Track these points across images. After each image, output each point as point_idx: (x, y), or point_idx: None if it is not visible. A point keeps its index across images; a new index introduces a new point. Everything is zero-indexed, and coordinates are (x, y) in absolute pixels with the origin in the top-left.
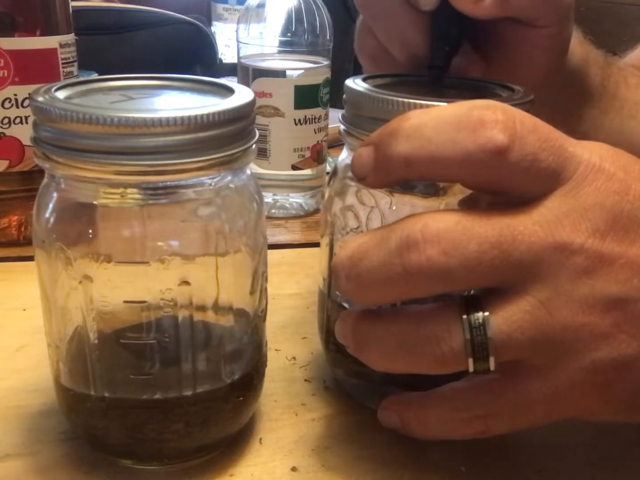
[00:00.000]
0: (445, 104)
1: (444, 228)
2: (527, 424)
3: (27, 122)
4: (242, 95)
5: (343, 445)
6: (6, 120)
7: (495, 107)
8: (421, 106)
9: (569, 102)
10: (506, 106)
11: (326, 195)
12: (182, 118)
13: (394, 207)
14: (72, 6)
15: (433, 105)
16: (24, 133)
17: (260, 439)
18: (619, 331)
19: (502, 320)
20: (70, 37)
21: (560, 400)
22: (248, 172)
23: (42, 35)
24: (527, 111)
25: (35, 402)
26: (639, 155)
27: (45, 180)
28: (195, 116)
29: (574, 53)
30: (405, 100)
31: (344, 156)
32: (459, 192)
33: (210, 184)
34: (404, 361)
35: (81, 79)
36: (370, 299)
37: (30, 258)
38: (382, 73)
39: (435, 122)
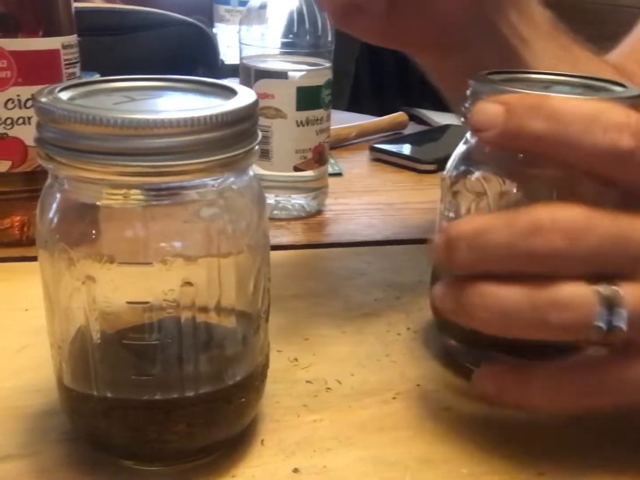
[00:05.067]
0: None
1: (570, 219)
2: (625, 404)
3: (29, 123)
4: (244, 96)
5: (345, 447)
6: (9, 121)
7: (630, 113)
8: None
9: (525, 30)
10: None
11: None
12: (185, 119)
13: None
14: (74, 7)
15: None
16: (26, 134)
17: (262, 440)
18: None
19: (632, 297)
20: (72, 38)
21: None
22: (251, 173)
23: (44, 36)
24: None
25: (37, 402)
26: None
27: (48, 181)
28: (198, 117)
29: (540, 25)
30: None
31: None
32: None
33: (213, 185)
34: (529, 326)
35: (84, 80)
36: (489, 271)
37: (32, 258)
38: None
39: (576, 110)
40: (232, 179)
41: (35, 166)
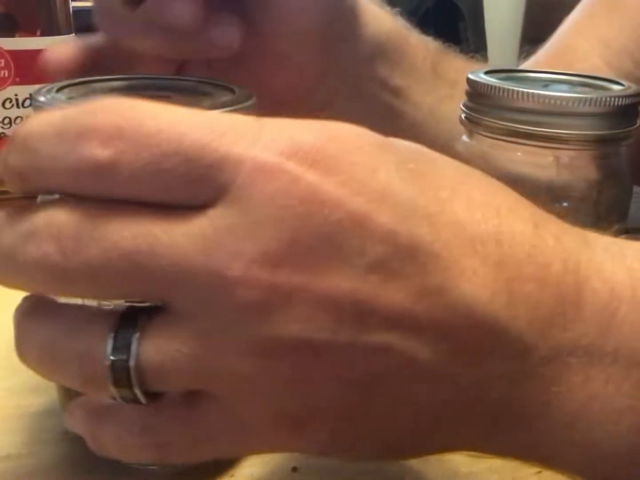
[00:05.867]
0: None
1: (67, 223)
2: (211, 455)
3: None
4: (242, 95)
5: None
6: (7, 121)
7: (103, 109)
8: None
9: (398, 80)
10: (120, 105)
11: None
12: None
13: None
14: (72, 6)
15: None
16: None
17: None
18: (306, 375)
19: (153, 345)
20: (70, 38)
21: (250, 436)
22: None
23: (42, 35)
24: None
25: (36, 401)
26: None
27: None
28: None
29: (383, 25)
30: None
31: None
32: None
33: None
34: (54, 374)
35: (82, 79)
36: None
37: None
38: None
39: (42, 130)
40: None
41: None
